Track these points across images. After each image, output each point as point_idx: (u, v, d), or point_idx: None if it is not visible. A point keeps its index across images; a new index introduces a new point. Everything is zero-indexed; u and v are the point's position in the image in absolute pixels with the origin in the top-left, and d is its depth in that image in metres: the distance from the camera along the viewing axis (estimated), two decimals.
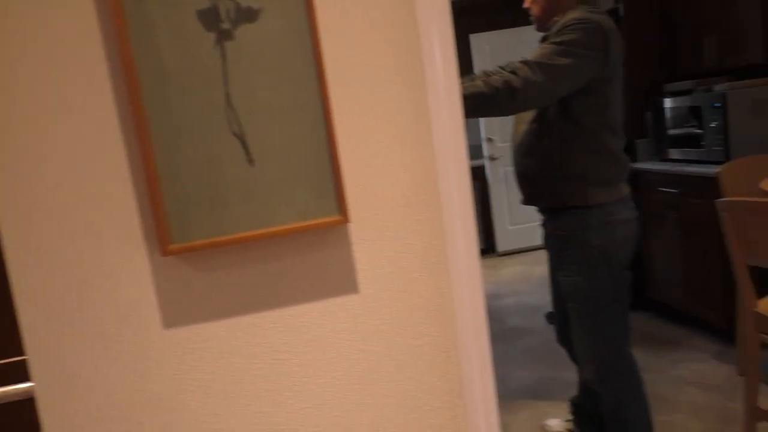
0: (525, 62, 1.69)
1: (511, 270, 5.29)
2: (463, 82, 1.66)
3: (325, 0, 1.08)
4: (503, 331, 3.80)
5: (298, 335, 1.16)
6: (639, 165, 3.54)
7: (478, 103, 1.67)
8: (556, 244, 1.91)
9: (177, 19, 0.98)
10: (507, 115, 1.79)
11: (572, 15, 1.77)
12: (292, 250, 1.13)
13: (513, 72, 1.68)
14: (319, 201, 1.11)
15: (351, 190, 1.14)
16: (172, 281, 1.07)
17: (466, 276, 1.18)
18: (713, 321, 3.11)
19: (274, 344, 1.15)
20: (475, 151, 5.64)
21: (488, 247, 5.86)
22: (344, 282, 1.16)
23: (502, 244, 5.78)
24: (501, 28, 5.57)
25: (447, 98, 1.13)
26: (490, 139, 5.65)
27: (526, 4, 1.95)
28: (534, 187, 1.90)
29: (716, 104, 2.97)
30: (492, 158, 5.66)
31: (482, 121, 5.57)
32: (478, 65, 5.54)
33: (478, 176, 5.66)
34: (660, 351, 3.16)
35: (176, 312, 1.08)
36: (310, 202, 1.10)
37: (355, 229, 1.17)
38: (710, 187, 2.90)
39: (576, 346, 1.94)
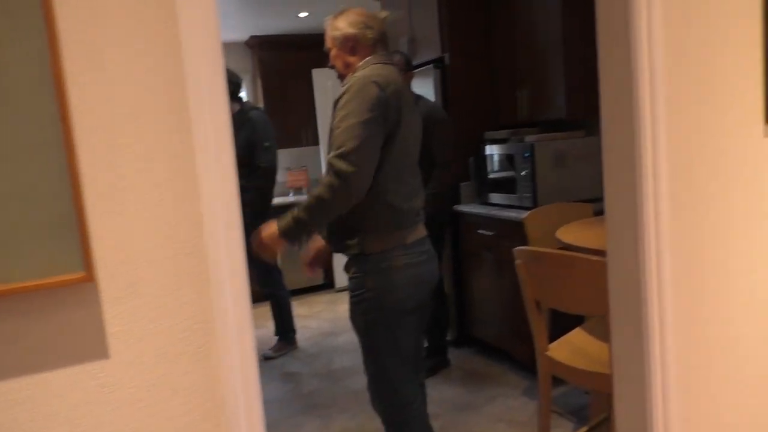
0: (330, 161, 1.83)
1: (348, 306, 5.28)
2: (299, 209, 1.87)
3: (72, 45, 0.97)
4: (330, 372, 3.74)
5: (29, 411, 1.00)
6: (461, 207, 3.71)
7: (324, 210, 1.85)
8: (349, 286, 2.06)
9: None
10: (350, 203, 1.87)
11: (360, 71, 1.93)
12: (22, 313, 0.98)
13: (329, 174, 1.83)
14: (58, 255, 0.97)
15: (99, 242, 1.02)
16: None
17: (236, 333, 1.09)
18: (524, 357, 3.29)
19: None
20: (314, 185, 5.62)
21: (327, 282, 5.83)
22: (91, 346, 1.02)
23: (340, 279, 5.77)
24: None
25: (215, 141, 1.05)
26: None
27: (330, 63, 2.11)
28: (331, 235, 2.04)
29: (526, 154, 3.20)
30: None
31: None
32: (320, 100, 5.56)
33: None
34: (478, 387, 3.28)
35: None
36: (45, 257, 0.96)
37: (105, 286, 1.04)
38: (520, 230, 3.10)
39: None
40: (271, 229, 1.92)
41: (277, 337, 4.20)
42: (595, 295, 1.76)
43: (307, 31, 5.61)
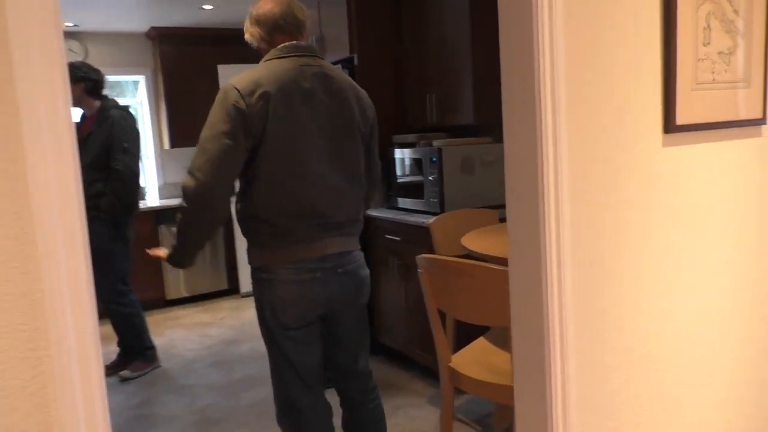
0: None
1: (254, 312, 5.07)
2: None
3: None
4: (230, 384, 3.54)
5: None
6: (371, 212, 3.62)
7: (187, 231, 1.83)
8: None
9: None
10: (209, 220, 1.83)
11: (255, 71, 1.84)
12: None
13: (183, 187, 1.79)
14: None
15: None
16: None
17: (77, 362, 0.93)
18: (430, 364, 3.24)
19: None
20: None
21: (232, 287, 5.59)
22: None
23: (246, 283, 5.54)
24: (253, 62, 5.43)
25: (51, 141, 0.88)
26: None
27: None
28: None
29: (434, 158, 3.15)
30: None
31: None
32: None
33: None
34: (385, 396, 3.20)
35: None
36: None
37: None
38: (427, 236, 3.04)
39: None
40: (159, 254, 1.96)
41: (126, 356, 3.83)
42: (498, 305, 1.70)
43: (212, 24, 5.35)
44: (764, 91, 1.69)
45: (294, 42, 1.90)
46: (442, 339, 1.99)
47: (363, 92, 2.00)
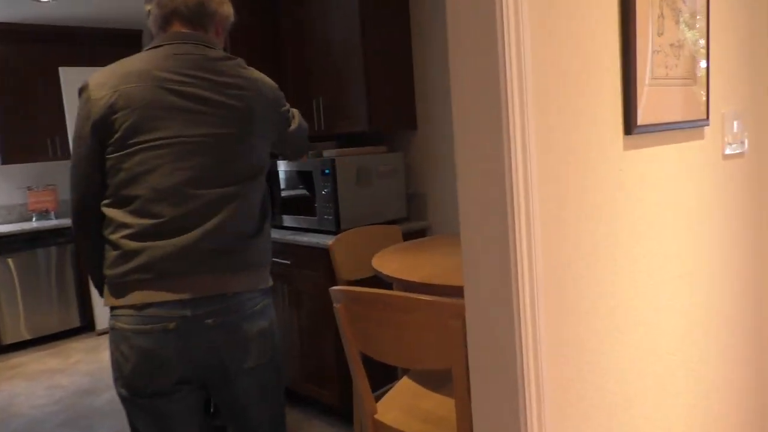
0: None
1: None
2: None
3: None
4: None
5: None
6: None
7: (80, 255, 1.69)
8: None
9: None
10: (90, 242, 1.55)
11: None
12: None
13: None
14: None
15: None
16: None
17: None
18: (331, 401, 2.88)
19: None
20: (65, 206, 4.62)
21: (85, 324, 4.84)
22: None
23: (103, 319, 4.82)
24: (102, 64, 4.77)
25: None
26: None
27: None
28: None
29: (326, 171, 2.81)
30: None
31: None
32: (72, 104, 4.60)
33: (57, 236, 4.65)
34: None
35: None
36: None
37: None
38: (323, 258, 2.70)
39: None
40: None
41: None
42: (443, 345, 1.41)
43: (52, 20, 4.61)
44: (707, 89, 1.55)
45: (187, 31, 1.54)
46: (365, 388, 1.65)
47: (266, 83, 1.61)
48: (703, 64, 1.53)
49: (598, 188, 1.25)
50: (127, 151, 1.42)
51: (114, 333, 1.44)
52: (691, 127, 1.51)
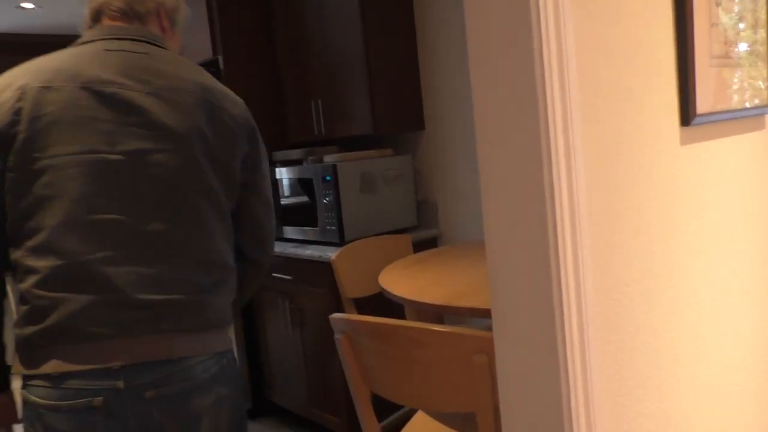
0: None
1: None
2: None
3: None
4: None
5: None
6: None
7: None
8: None
9: None
10: None
11: None
12: None
13: None
14: None
15: None
16: None
17: None
18: (337, 426, 2.64)
19: None
20: None
21: None
22: None
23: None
24: None
25: None
26: None
27: None
28: None
29: (327, 177, 2.58)
30: None
31: None
32: None
33: None
34: None
35: None
36: None
37: None
38: (327, 272, 2.47)
39: None
40: None
41: None
42: (467, 386, 1.17)
43: (37, 29, 4.42)
44: None
45: (122, 24, 1.26)
46: (373, 427, 1.42)
47: (231, 99, 1.28)
48: (763, 36, 1.29)
49: (651, 196, 1.01)
50: (32, 168, 1.10)
51: (27, 408, 1.13)
52: (754, 114, 1.26)
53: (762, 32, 1.28)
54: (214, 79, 1.28)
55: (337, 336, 1.39)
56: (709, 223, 1.15)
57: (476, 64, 0.89)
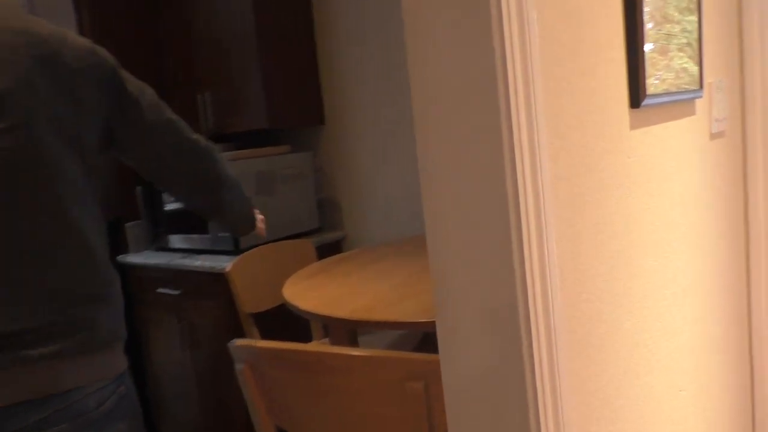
0: None
1: None
2: None
3: None
4: None
5: None
6: (131, 258, 2.62)
7: None
8: None
9: None
10: None
11: None
12: None
13: None
14: None
15: None
16: None
17: None
18: None
19: None
20: None
21: None
22: None
23: None
24: None
25: None
26: None
27: None
28: None
29: None
30: None
31: None
32: None
33: None
34: None
35: None
36: None
37: None
38: (221, 284, 2.20)
39: None
40: None
41: None
42: (400, 419, 0.98)
43: None
44: (700, 52, 1.23)
45: None
46: None
47: (72, 45, 0.97)
48: (694, 21, 1.20)
49: (606, 186, 0.88)
50: None
51: None
52: (689, 98, 1.18)
53: (692, 18, 1.20)
54: (50, 25, 0.98)
55: (238, 366, 1.16)
56: (659, 216, 1.04)
57: (414, 35, 0.71)
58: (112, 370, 1.02)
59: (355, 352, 1.00)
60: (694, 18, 1.18)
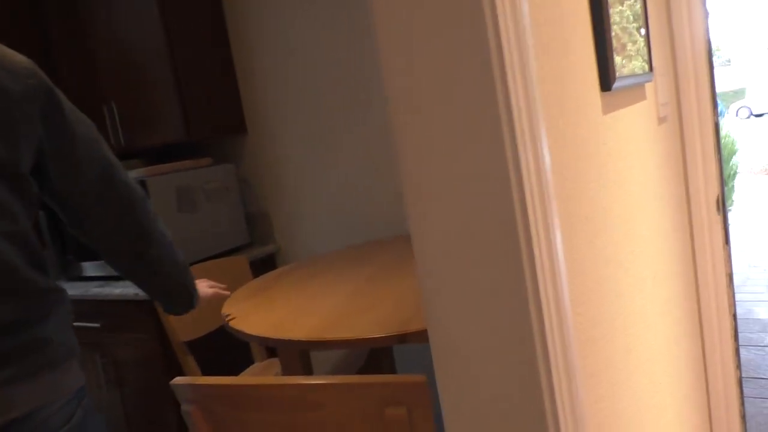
0: None
1: None
2: None
3: None
4: None
5: None
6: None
7: None
8: None
9: None
10: None
11: None
12: None
13: None
14: None
15: None
16: None
17: None
18: None
19: None
20: None
21: None
22: None
23: None
24: None
25: None
26: None
27: None
28: None
29: None
30: None
31: None
32: None
33: None
34: None
35: None
36: None
37: None
38: (146, 313, 2.00)
39: None
40: None
41: None
42: None
43: None
44: (648, 35, 1.21)
45: None
46: None
47: (12, 64, 0.90)
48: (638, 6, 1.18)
49: (585, 178, 0.82)
50: None
51: None
52: (644, 81, 1.15)
53: (637, 4, 1.17)
54: None
55: (185, 408, 1.01)
56: (632, 203, 0.99)
57: (384, 23, 0.61)
58: (72, 384, 1.01)
59: (326, 380, 0.88)
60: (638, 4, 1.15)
